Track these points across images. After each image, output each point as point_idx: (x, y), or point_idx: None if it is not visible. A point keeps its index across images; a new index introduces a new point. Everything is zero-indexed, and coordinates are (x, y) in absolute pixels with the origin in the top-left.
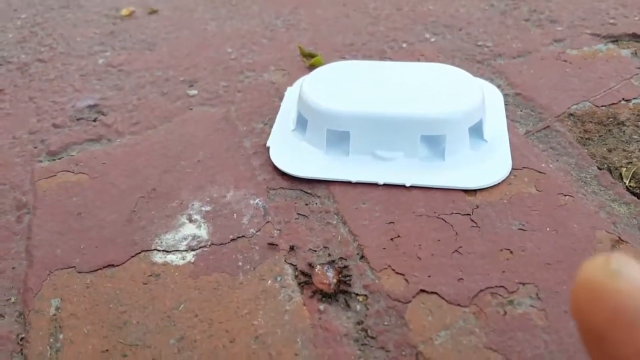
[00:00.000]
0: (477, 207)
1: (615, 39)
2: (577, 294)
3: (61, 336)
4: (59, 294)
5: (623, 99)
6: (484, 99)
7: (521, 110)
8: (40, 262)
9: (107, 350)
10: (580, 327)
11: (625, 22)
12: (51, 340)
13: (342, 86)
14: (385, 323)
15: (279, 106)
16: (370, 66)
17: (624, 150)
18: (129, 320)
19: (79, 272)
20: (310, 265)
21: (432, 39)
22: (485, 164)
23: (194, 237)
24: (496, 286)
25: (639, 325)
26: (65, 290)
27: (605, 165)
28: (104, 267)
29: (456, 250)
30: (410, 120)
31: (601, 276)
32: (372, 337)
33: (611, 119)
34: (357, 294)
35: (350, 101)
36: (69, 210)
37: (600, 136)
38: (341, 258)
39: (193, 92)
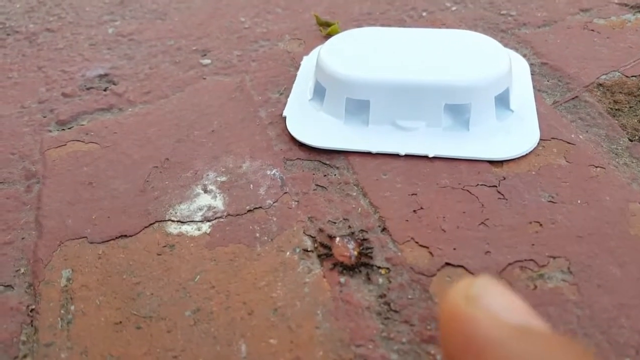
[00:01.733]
0: (504, 178)
1: None
2: (440, 314)
3: (72, 307)
4: (70, 264)
5: None
6: (511, 66)
7: (548, 80)
8: (50, 233)
9: (120, 322)
10: (441, 346)
11: None
12: (62, 311)
13: (361, 53)
14: (409, 297)
15: (295, 76)
16: (390, 33)
17: None
18: (142, 292)
19: (91, 243)
20: (330, 237)
21: (454, 8)
22: (512, 134)
23: (210, 207)
24: (525, 259)
25: (487, 354)
26: (76, 261)
27: (637, 137)
28: (116, 237)
29: (482, 223)
30: (433, 88)
31: (460, 300)
32: (395, 311)
33: None
34: (379, 267)
35: (371, 69)
36: (80, 180)
37: (630, 107)
38: (362, 230)
39: (206, 61)
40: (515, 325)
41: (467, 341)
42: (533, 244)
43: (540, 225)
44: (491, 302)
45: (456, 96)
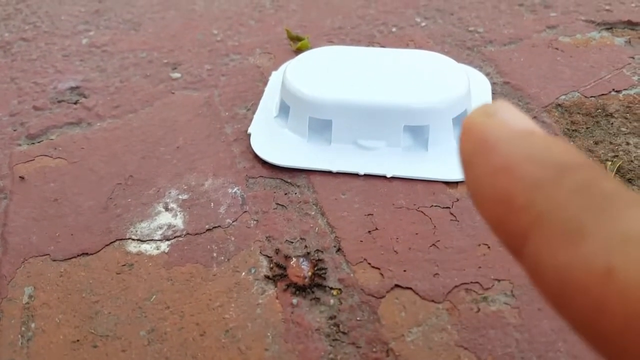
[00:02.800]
0: (458, 199)
1: (609, 26)
2: (461, 131)
3: (33, 325)
4: (32, 282)
5: (613, 89)
6: (469, 88)
7: (508, 100)
8: (14, 249)
9: (77, 340)
10: (460, 160)
11: (621, 9)
12: (23, 329)
13: (325, 73)
14: (358, 318)
15: (263, 91)
16: (354, 52)
17: (611, 143)
18: (100, 311)
19: (53, 260)
20: (286, 258)
21: (423, 24)
22: None
23: (170, 226)
24: (471, 282)
25: (497, 151)
26: (38, 279)
27: (591, 159)
28: (78, 255)
29: (434, 245)
30: (393, 110)
31: (477, 116)
32: (344, 333)
33: (600, 110)
34: (331, 288)
35: (333, 89)
36: (46, 196)
37: (587, 128)
38: (317, 250)
39: (176, 75)
40: (524, 128)
41: (480, 144)
42: (480, 267)
43: (489, 247)
44: (507, 116)
45: (415, 118)
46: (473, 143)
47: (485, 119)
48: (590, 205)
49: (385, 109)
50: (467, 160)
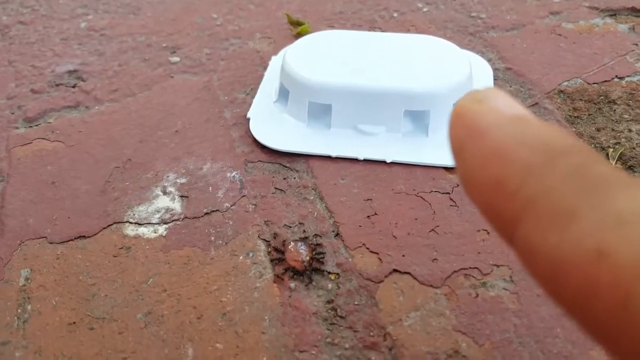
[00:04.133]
0: (458, 185)
1: (613, 13)
2: (451, 117)
3: (29, 307)
4: (29, 264)
5: (616, 76)
6: (471, 74)
7: (510, 86)
8: (11, 232)
9: (74, 322)
10: (450, 147)
11: None
12: (19, 311)
13: (325, 57)
14: (356, 303)
15: (262, 76)
16: (355, 36)
17: (613, 129)
18: (97, 293)
19: (50, 243)
20: (284, 242)
21: (425, 9)
22: None
23: (167, 209)
24: (470, 267)
25: (488, 136)
26: (35, 261)
27: (593, 145)
28: (75, 238)
29: (433, 230)
30: (394, 95)
31: (467, 102)
32: (341, 317)
33: (602, 97)
34: (329, 272)
35: (333, 73)
36: (43, 179)
37: (589, 115)
38: (316, 235)
39: (175, 59)
40: (515, 114)
41: (471, 130)
42: (479, 252)
43: (488, 233)
44: (497, 102)
45: (415, 103)
46: (464, 129)
47: (476, 105)
48: (582, 188)
49: (385, 94)
50: (457, 146)
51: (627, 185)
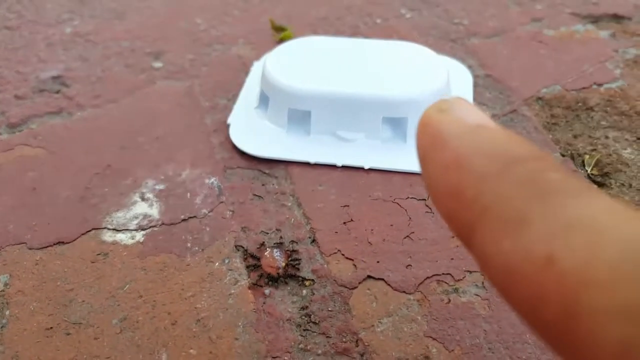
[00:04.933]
0: None
1: (595, 20)
2: (417, 128)
3: (7, 312)
4: (8, 269)
5: (595, 83)
6: (449, 80)
7: (490, 93)
8: None
9: (51, 327)
10: (417, 157)
11: (607, 2)
12: None
13: (305, 64)
14: (330, 309)
15: (244, 82)
16: (335, 43)
17: (590, 136)
18: (74, 299)
19: (30, 249)
20: (260, 248)
21: (408, 15)
22: None
23: (145, 216)
24: (443, 273)
25: (448, 146)
26: (14, 267)
27: (569, 152)
28: (54, 244)
29: (408, 236)
30: (372, 101)
31: (433, 112)
32: (315, 323)
33: (580, 104)
34: (304, 279)
35: (313, 80)
36: (24, 184)
37: (567, 121)
38: (292, 241)
39: (158, 64)
40: (476, 123)
41: (434, 139)
42: (452, 258)
43: None
44: (461, 112)
45: (393, 109)
46: (428, 139)
47: (440, 115)
48: (535, 195)
49: (364, 101)
50: (422, 155)
51: (579, 193)
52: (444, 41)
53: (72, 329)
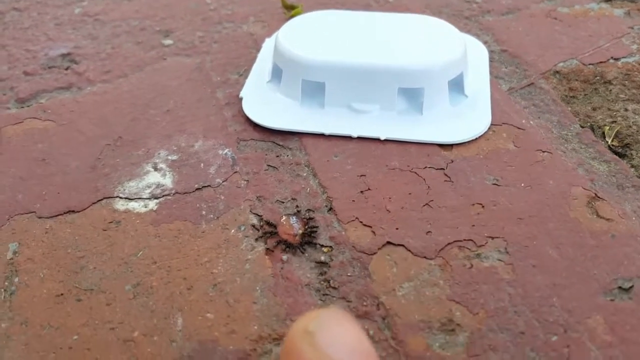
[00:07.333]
0: (452, 161)
1: None
2: (283, 346)
3: (16, 280)
4: (17, 238)
5: (612, 57)
6: (465, 51)
7: (506, 67)
8: (0, 207)
9: (61, 294)
10: None
11: None
12: (6, 283)
13: (319, 36)
14: (349, 274)
15: (256, 57)
16: (349, 16)
17: (609, 109)
18: (85, 266)
19: (39, 217)
20: (276, 216)
21: None
22: (464, 119)
23: (158, 185)
24: (464, 239)
25: None
26: (23, 235)
27: (588, 124)
28: (64, 212)
29: (427, 204)
30: (388, 72)
31: (298, 333)
32: (334, 288)
33: (598, 78)
34: (322, 245)
35: (327, 51)
36: (33, 156)
37: (585, 95)
38: (309, 210)
39: (168, 42)
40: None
41: None
42: (473, 225)
43: (483, 206)
44: (324, 339)
45: (409, 80)
46: None
47: (303, 342)
48: None
49: (379, 71)
50: None
51: None
52: (458, 18)
53: (84, 295)
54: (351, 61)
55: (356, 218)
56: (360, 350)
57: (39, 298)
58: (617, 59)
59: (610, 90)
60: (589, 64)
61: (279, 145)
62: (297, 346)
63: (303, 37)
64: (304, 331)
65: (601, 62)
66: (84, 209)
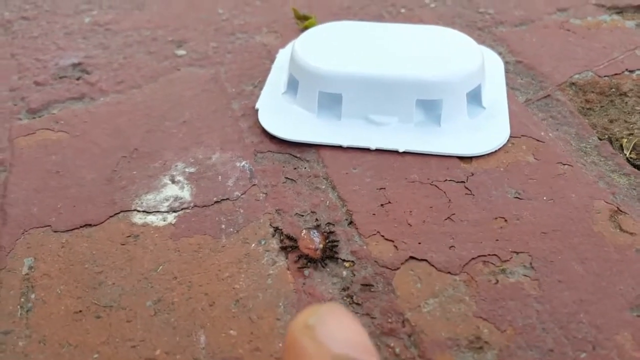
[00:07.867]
0: (472, 174)
1: (620, 10)
2: (285, 340)
3: (33, 296)
4: (32, 253)
5: (627, 69)
6: (483, 63)
7: (522, 79)
8: (14, 221)
9: (80, 311)
10: None
11: None
12: (22, 300)
13: (335, 47)
14: (372, 290)
15: (270, 68)
16: (366, 27)
17: (626, 121)
18: (104, 281)
19: (55, 231)
20: (297, 230)
21: (432, 5)
22: (483, 131)
23: (176, 198)
24: (489, 254)
25: None
26: (39, 250)
27: (606, 136)
28: (80, 226)
29: (448, 218)
30: (406, 83)
31: (298, 328)
32: (358, 304)
33: (613, 90)
34: (344, 260)
35: (344, 62)
36: (47, 168)
37: (601, 106)
38: (329, 223)
39: (181, 52)
40: (337, 355)
41: None
42: (497, 239)
43: (505, 220)
44: (324, 332)
45: (427, 92)
46: None
47: (304, 336)
48: None
49: (397, 83)
50: None
51: None
52: (471, 29)
53: (103, 312)
54: (369, 72)
55: (377, 232)
56: (359, 343)
57: (57, 315)
58: (631, 71)
59: (627, 103)
60: (604, 76)
61: (296, 157)
62: (297, 340)
63: (319, 48)
64: (304, 325)
65: (616, 74)
66: (101, 223)
